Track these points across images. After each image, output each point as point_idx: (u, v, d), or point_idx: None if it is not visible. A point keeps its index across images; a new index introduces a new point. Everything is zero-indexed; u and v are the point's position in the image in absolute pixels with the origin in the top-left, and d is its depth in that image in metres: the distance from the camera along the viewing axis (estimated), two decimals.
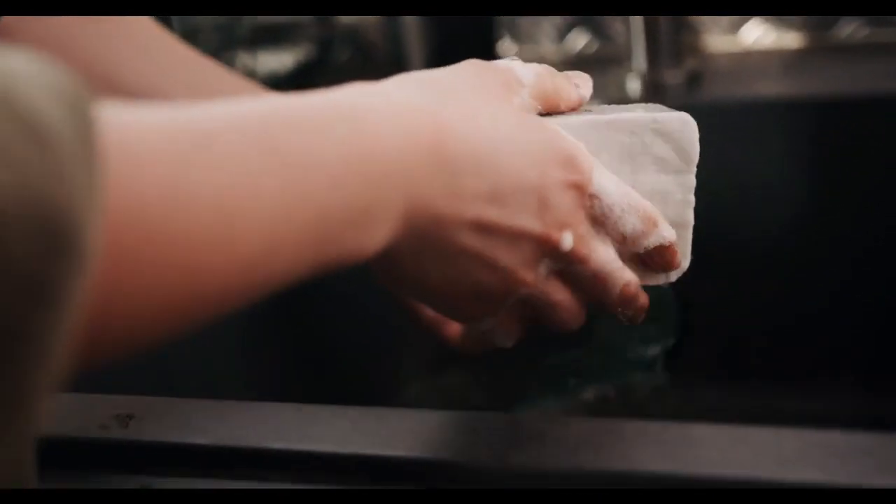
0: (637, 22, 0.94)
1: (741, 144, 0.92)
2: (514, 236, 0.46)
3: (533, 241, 0.46)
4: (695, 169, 0.51)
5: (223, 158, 0.34)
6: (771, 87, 0.94)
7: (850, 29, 1.01)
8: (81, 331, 0.29)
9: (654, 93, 0.94)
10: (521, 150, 0.45)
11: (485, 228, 0.45)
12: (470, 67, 0.47)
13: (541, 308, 0.50)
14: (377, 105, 0.41)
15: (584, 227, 0.48)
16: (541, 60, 1.10)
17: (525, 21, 1.10)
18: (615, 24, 1.08)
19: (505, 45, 1.10)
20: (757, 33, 1.04)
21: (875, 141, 0.89)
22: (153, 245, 0.31)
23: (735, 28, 1.05)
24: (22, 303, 0.26)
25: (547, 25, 1.10)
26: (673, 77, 0.94)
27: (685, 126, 0.51)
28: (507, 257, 0.46)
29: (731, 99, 0.92)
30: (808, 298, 0.93)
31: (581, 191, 0.47)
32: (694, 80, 0.95)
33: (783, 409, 0.87)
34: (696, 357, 0.95)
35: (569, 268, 0.49)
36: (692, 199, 0.51)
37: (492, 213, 0.44)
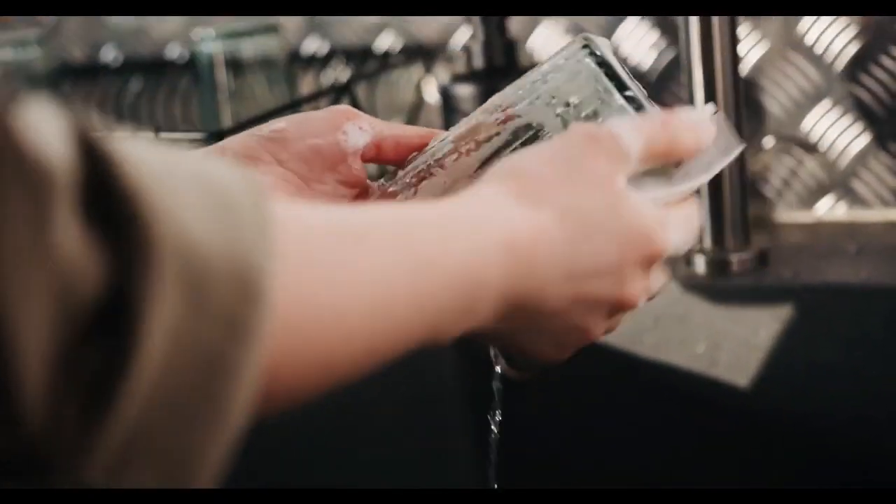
0: (703, 197, 0.93)
1: (809, 330, 0.89)
2: (593, 304, 0.50)
3: (609, 305, 0.50)
4: None
5: (369, 258, 0.40)
6: (843, 271, 0.92)
7: None
8: (262, 385, 0.34)
9: (719, 272, 0.92)
10: (604, 239, 0.49)
11: (566, 302, 0.49)
12: (573, 149, 0.50)
13: None
14: (466, 216, 0.46)
15: (651, 280, 0.52)
16: None
17: None
18: None
19: None
20: (828, 205, 1.02)
21: None
22: (313, 325, 0.37)
23: (808, 202, 1.03)
24: (221, 340, 0.32)
25: None
26: (741, 256, 0.92)
27: None
28: (586, 319, 0.50)
29: (801, 283, 0.90)
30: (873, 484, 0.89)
31: (656, 263, 0.51)
32: (762, 259, 0.93)
33: None
34: None
35: None
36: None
37: (570, 290, 0.49)
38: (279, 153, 0.54)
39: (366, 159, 0.57)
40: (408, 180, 0.56)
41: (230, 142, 0.56)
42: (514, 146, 0.55)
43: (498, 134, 0.55)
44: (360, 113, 0.58)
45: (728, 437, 0.92)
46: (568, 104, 0.54)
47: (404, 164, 0.57)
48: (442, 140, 0.57)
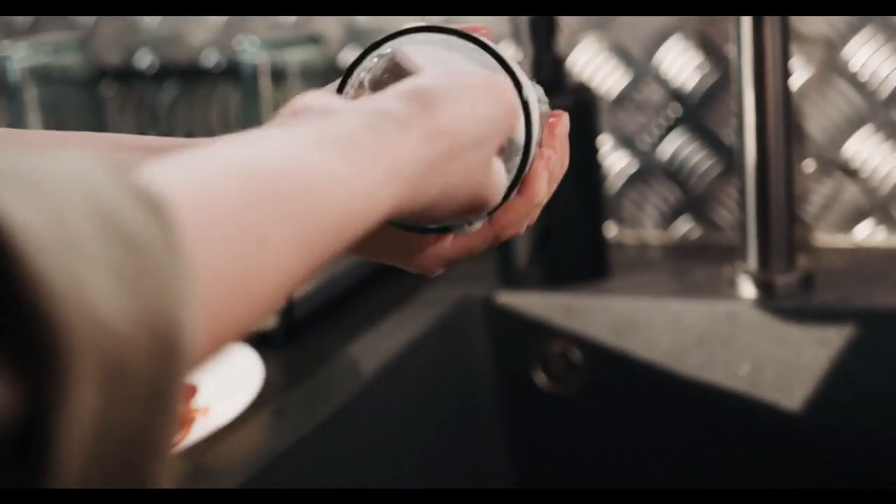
0: (751, 214, 0.93)
1: (854, 354, 0.89)
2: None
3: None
4: None
5: (264, 208, 0.36)
6: (888, 296, 0.92)
7: None
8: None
9: (764, 294, 0.92)
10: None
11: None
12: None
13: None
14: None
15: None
16: (643, 246, 1.09)
17: (630, 204, 1.10)
18: (722, 211, 1.06)
19: (609, 226, 1.09)
20: (867, 231, 1.03)
21: None
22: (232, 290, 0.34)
23: (847, 226, 1.03)
24: (143, 414, 0.30)
25: (651, 209, 1.09)
26: (786, 279, 0.93)
27: None
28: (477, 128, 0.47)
29: (847, 307, 0.90)
30: None
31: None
32: (807, 282, 0.93)
33: None
34: None
35: None
36: None
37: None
38: None
39: None
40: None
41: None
42: None
43: None
44: None
45: (770, 458, 0.92)
46: None
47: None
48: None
